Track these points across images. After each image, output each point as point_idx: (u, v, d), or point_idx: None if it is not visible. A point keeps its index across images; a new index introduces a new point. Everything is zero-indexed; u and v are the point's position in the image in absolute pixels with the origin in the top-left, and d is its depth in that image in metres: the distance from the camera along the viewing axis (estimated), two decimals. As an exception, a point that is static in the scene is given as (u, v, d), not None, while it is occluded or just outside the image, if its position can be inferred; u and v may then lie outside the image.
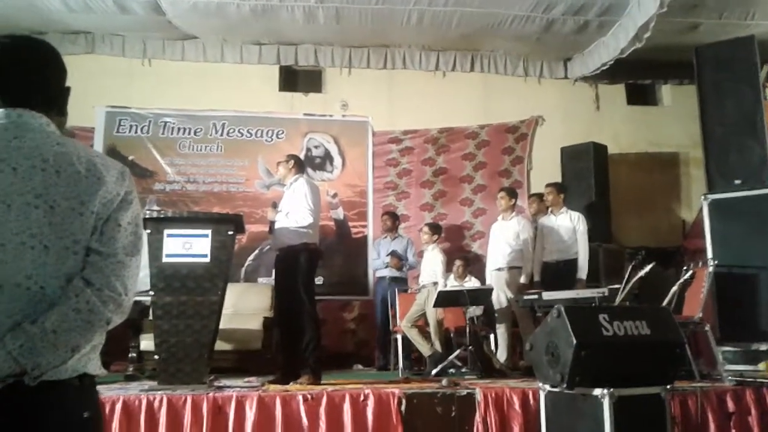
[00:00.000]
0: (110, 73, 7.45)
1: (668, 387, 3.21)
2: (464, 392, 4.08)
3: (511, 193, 6.46)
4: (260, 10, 6.62)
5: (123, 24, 7.03)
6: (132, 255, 1.37)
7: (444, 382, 4.39)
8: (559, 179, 7.72)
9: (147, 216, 4.30)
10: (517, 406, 4.05)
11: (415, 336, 6.19)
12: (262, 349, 6.30)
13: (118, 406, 3.68)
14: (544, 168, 7.90)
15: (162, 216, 4.49)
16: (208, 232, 4.35)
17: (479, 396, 4.04)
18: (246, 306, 6.76)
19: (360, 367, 7.01)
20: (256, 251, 7.50)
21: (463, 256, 7.35)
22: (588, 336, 3.02)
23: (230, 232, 4.40)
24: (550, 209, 6.36)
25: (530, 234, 6.22)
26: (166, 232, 4.28)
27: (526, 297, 5.57)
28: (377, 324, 7.09)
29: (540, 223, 6.36)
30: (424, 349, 6.14)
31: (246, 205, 7.67)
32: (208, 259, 4.31)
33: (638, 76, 8.25)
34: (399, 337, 6.36)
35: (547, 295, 5.44)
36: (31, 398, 1.23)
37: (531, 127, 8.11)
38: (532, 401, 4.07)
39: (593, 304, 4.93)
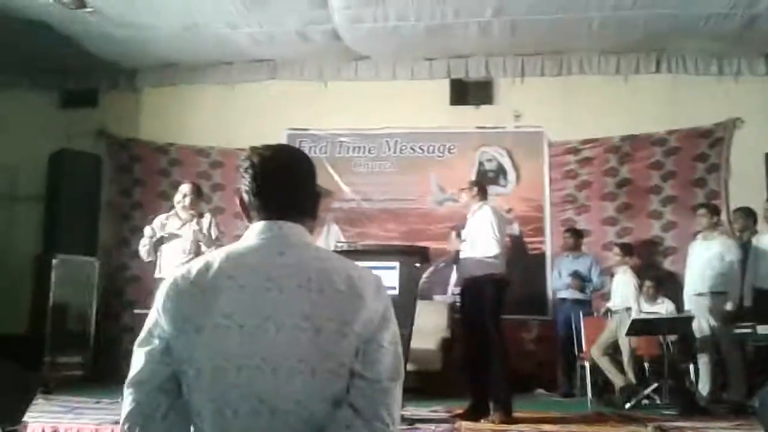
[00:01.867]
0: (291, 97, 7.76)
1: None
2: (678, 446, 3.71)
3: (714, 210, 5.86)
4: (435, 28, 6.55)
5: (303, 51, 7.28)
6: (395, 380, 1.30)
7: (650, 429, 4.02)
8: (763, 189, 6.92)
9: (336, 249, 4.37)
10: (740, 463, 3.62)
11: (606, 365, 5.81)
12: (441, 370, 6.25)
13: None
14: (746, 176, 7.10)
15: (350, 249, 4.53)
16: (396, 264, 4.33)
17: (696, 451, 3.65)
18: (423, 325, 6.63)
19: (542, 391, 6.73)
20: (431, 268, 7.43)
21: (654, 275, 6.77)
22: None
23: (417, 264, 4.35)
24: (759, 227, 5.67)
25: (737, 255, 5.58)
26: (356, 263, 4.30)
27: (738, 329, 5.01)
28: (559, 347, 6.76)
29: (752, 242, 5.68)
30: (617, 379, 5.73)
31: (420, 222, 7.66)
32: (396, 291, 4.28)
33: None
34: (587, 364, 6.00)
35: (764, 329, 4.85)
36: None
37: (728, 130, 7.30)
38: (758, 459, 3.62)
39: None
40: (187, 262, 4.78)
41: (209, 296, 1.27)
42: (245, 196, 1.41)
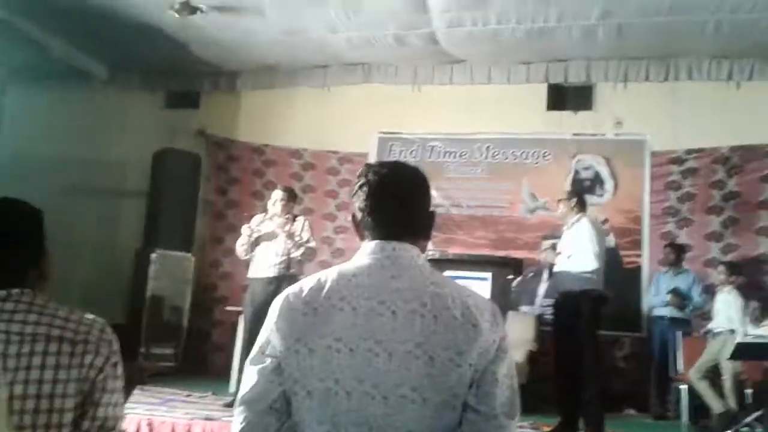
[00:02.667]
0: (383, 101, 7.77)
1: None
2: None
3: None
4: (536, 32, 6.38)
5: (397, 54, 7.27)
6: (512, 417, 1.24)
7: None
8: None
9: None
10: None
11: (704, 389, 5.50)
12: (527, 383, 6.08)
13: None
14: None
15: (442, 258, 4.48)
16: (488, 275, 4.24)
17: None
18: (509, 336, 6.55)
19: (632, 412, 6.42)
20: (519, 278, 7.25)
21: (761, 296, 6.36)
22: None
23: (510, 277, 4.25)
24: None
25: None
26: (448, 273, 4.25)
27: None
28: (653, 367, 6.44)
29: None
30: (716, 404, 5.43)
31: (509, 230, 7.50)
32: (488, 304, 4.19)
33: None
34: (683, 386, 5.69)
35: None
36: None
37: None
38: None
39: None
40: (279, 264, 4.89)
41: (321, 317, 1.25)
42: (358, 214, 1.38)
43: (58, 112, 7.26)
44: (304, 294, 1.30)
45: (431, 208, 1.42)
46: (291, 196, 5.33)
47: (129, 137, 7.97)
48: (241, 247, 5.12)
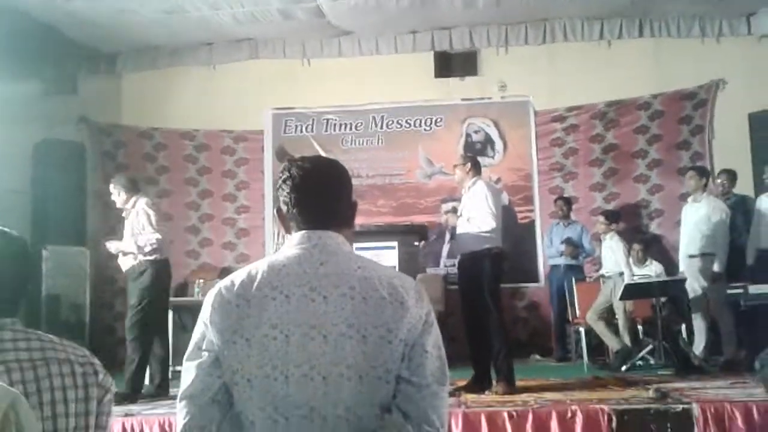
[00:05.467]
0: (273, 76, 7.69)
1: None
2: (679, 408, 3.81)
3: (702, 172, 5.93)
4: (419, 1, 6.48)
5: (284, 29, 7.19)
6: (442, 384, 1.32)
7: (651, 392, 4.12)
8: (747, 149, 7.04)
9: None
10: (740, 421, 3.73)
11: (602, 329, 5.94)
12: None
13: None
14: (729, 137, 7.20)
15: (349, 229, 4.54)
16: (395, 243, 4.36)
17: (697, 411, 3.75)
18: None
19: (538, 357, 6.86)
20: (423, 242, 7.49)
21: (641, 238, 6.91)
22: None
23: (416, 243, 4.38)
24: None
25: (724, 216, 5.66)
26: (356, 245, 4.33)
27: (730, 289, 5.12)
28: (553, 313, 6.88)
29: (756, 204, 5.75)
30: (613, 343, 5.87)
31: (409, 197, 7.69)
32: (396, 270, 4.32)
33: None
34: (582, 329, 6.12)
35: (756, 288, 4.97)
36: None
37: (711, 92, 7.37)
38: (756, 416, 3.74)
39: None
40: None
41: (255, 307, 1.29)
42: (284, 208, 1.42)
43: None
44: (236, 287, 1.33)
45: (353, 198, 1.48)
46: (129, 186, 5.05)
47: (4, 129, 7.42)
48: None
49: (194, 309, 5.26)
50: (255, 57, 7.67)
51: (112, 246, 4.92)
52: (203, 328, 1.34)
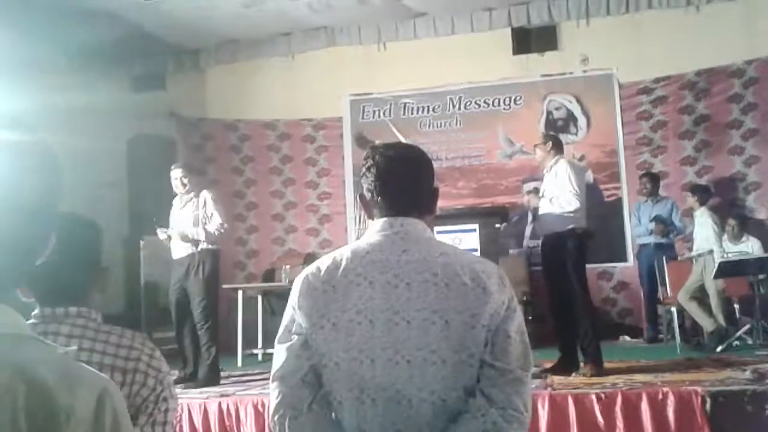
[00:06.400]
0: (350, 63, 7.76)
1: None
2: (778, 389, 3.64)
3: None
4: (494, -23, 6.37)
5: (359, 14, 7.23)
6: (526, 369, 1.35)
7: (748, 373, 3.95)
8: None
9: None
10: None
11: (694, 309, 5.71)
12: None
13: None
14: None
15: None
16: (476, 226, 4.34)
17: (798, 394, 3.57)
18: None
19: (627, 338, 6.68)
20: (505, 223, 7.40)
21: (737, 213, 6.58)
22: None
23: (497, 225, 4.35)
24: None
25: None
26: (436, 229, 4.35)
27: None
28: (643, 294, 6.66)
29: None
30: (706, 323, 5.64)
31: (489, 178, 7.61)
32: (478, 253, 4.31)
33: None
34: (674, 309, 5.90)
35: None
36: None
37: (810, 54, 6.87)
38: None
39: None
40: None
41: (341, 293, 1.35)
42: (367, 195, 1.46)
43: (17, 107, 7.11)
44: (322, 273, 1.39)
45: (434, 185, 1.51)
46: (189, 171, 5.15)
47: (99, 126, 7.86)
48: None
49: (282, 294, 5.46)
50: (332, 44, 7.74)
51: (164, 233, 4.99)
52: (292, 312, 1.41)
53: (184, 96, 8.16)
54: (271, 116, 8.07)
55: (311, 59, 7.86)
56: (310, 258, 6.69)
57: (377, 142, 7.63)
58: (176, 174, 5.03)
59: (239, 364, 5.76)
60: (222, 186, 7.92)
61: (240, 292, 5.70)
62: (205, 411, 3.99)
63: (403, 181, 1.44)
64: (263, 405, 3.90)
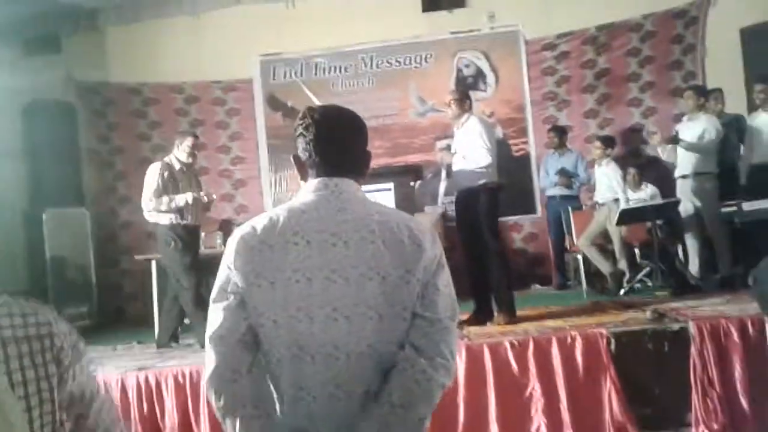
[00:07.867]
0: (259, 22, 7.51)
1: None
2: (676, 327, 3.94)
3: (700, 91, 5.86)
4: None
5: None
6: (453, 319, 1.42)
7: (648, 314, 4.23)
8: (740, 66, 6.95)
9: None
10: (735, 336, 3.86)
11: (594, 254, 6.04)
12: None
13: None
14: (721, 54, 7.10)
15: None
16: (391, 185, 4.39)
17: (693, 330, 3.87)
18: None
19: (538, 287, 7.01)
20: (419, 181, 7.50)
21: (638, 162, 6.94)
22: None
23: (412, 183, 4.41)
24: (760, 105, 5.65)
25: (716, 135, 5.62)
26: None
27: (724, 208, 5.17)
28: (551, 243, 6.97)
29: (749, 120, 5.73)
30: (605, 267, 5.98)
31: (403, 136, 7.67)
32: (394, 212, 4.36)
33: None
34: (579, 257, 6.21)
35: (749, 206, 5.03)
36: None
37: (702, 9, 7.23)
38: (751, 330, 3.86)
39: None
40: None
41: (278, 252, 1.37)
42: (303, 155, 1.47)
43: None
44: (258, 233, 1.40)
45: (367, 148, 1.54)
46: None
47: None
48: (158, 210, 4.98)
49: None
50: (239, 2, 7.49)
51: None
52: (227, 272, 1.41)
53: (82, 59, 7.68)
54: (178, 79, 7.77)
55: (218, 18, 7.58)
56: (225, 224, 6.58)
57: (289, 103, 7.60)
58: (189, 143, 5.14)
59: (156, 336, 5.62)
60: (129, 153, 7.64)
61: (153, 262, 5.52)
62: (123, 385, 3.90)
63: (342, 142, 1.47)
64: (184, 376, 3.86)
